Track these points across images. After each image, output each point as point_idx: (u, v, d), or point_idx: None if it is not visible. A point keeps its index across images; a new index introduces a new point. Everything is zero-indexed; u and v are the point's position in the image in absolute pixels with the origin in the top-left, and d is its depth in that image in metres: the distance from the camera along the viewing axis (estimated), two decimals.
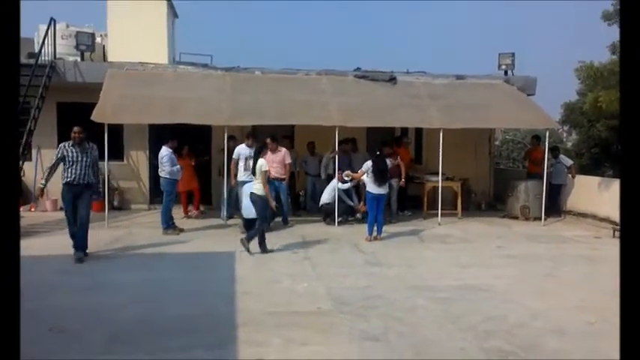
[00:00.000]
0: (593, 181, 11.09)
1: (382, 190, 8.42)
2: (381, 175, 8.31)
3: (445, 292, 5.53)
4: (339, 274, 6.26)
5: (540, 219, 10.35)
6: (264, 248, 7.30)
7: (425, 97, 10.77)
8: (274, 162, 9.44)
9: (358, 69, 11.71)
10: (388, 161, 8.88)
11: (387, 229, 9.31)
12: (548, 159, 10.67)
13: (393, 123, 10.79)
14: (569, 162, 11.83)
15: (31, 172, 10.98)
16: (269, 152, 9.43)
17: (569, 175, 11.43)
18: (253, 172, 7.50)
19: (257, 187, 7.37)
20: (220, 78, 10.76)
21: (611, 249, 8.05)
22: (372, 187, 8.37)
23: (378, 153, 8.62)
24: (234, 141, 9.63)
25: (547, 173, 10.63)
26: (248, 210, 8.77)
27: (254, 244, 7.29)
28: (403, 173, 9.93)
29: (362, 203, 9.45)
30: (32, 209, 10.87)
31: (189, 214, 10.49)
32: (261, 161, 7.37)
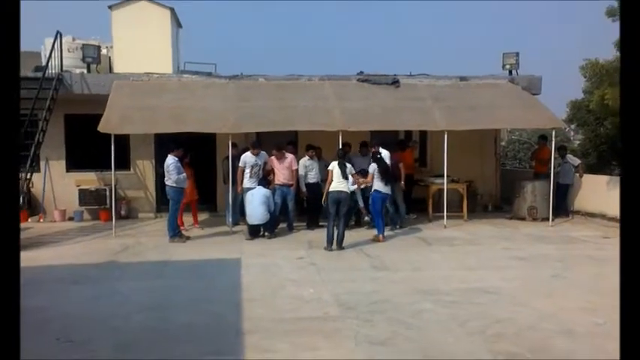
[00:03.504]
0: (601, 180, 11.00)
1: (388, 190, 8.68)
2: (386, 173, 8.60)
3: (452, 296, 5.50)
4: (345, 279, 6.26)
5: (548, 220, 10.27)
6: (340, 245, 7.93)
7: (428, 99, 10.75)
8: (282, 168, 9.48)
9: (361, 73, 11.71)
10: (387, 158, 9.02)
11: (393, 232, 9.32)
12: (555, 158, 10.60)
13: (397, 126, 10.78)
14: (576, 161, 11.75)
15: (39, 184, 11.10)
16: (275, 160, 9.48)
17: (577, 175, 11.36)
18: (345, 177, 8.02)
19: (345, 185, 8.01)
20: (224, 86, 10.83)
21: (618, 249, 7.97)
22: (380, 186, 8.55)
23: (378, 156, 8.71)
24: (235, 149, 9.66)
25: (554, 173, 10.56)
26: (254, 216, 8.85)
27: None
28: (402, 175, 9.85)
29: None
30: (41, 219, 10.97)
31: (185, 228, 9.56)
32: (349, 166, 8.21)
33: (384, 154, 9.12)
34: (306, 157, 9.81)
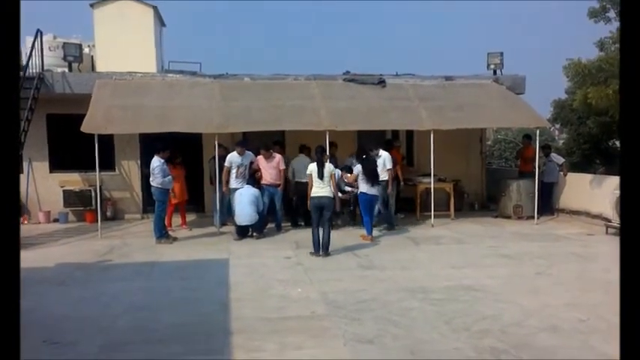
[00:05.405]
0: (584, 178, 11.14)
1: (375, 191, 8.64)
2: (372, 175, 8.54)
3: (439, 294, 5.54)
4: (333, 278, 6.27)
5: (533, 218, 10.39)
6: (327, 251, 7.50)
7: (414, 98, 10.81)
8: (270, 168, 9.46)
9: (347, 72, 11.74)
10: (388, 160, 9.15)
11: (382, 232, 9.35)
12: (539, 157, 10.72)
13: (384, 126, 10.81)
14: (560, 160, 11.90)
15: (22, 185, 10.93)
16: (263, 159, 9.46)
17: (561, 173, 11.51)
18: (320, 177, 7.55)
19: (328, 189, 7.58)
20: (209, 85, 10.75)
21: (603, 246, 8.11)
22: (365, 188, 8.53)
23: (364, 156, 8.71)
24: (222, 149, 9.61)
25: (539, 172, 10.69)
26: (242, 217, 8.81)
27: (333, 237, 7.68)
28: (400, 176, 10.08)
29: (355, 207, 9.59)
30: (25, 221, 10.80)
31: (172, 229, 9.60)
32: (329, 165, 7.65)
33: (384, 155, 9.21)
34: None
